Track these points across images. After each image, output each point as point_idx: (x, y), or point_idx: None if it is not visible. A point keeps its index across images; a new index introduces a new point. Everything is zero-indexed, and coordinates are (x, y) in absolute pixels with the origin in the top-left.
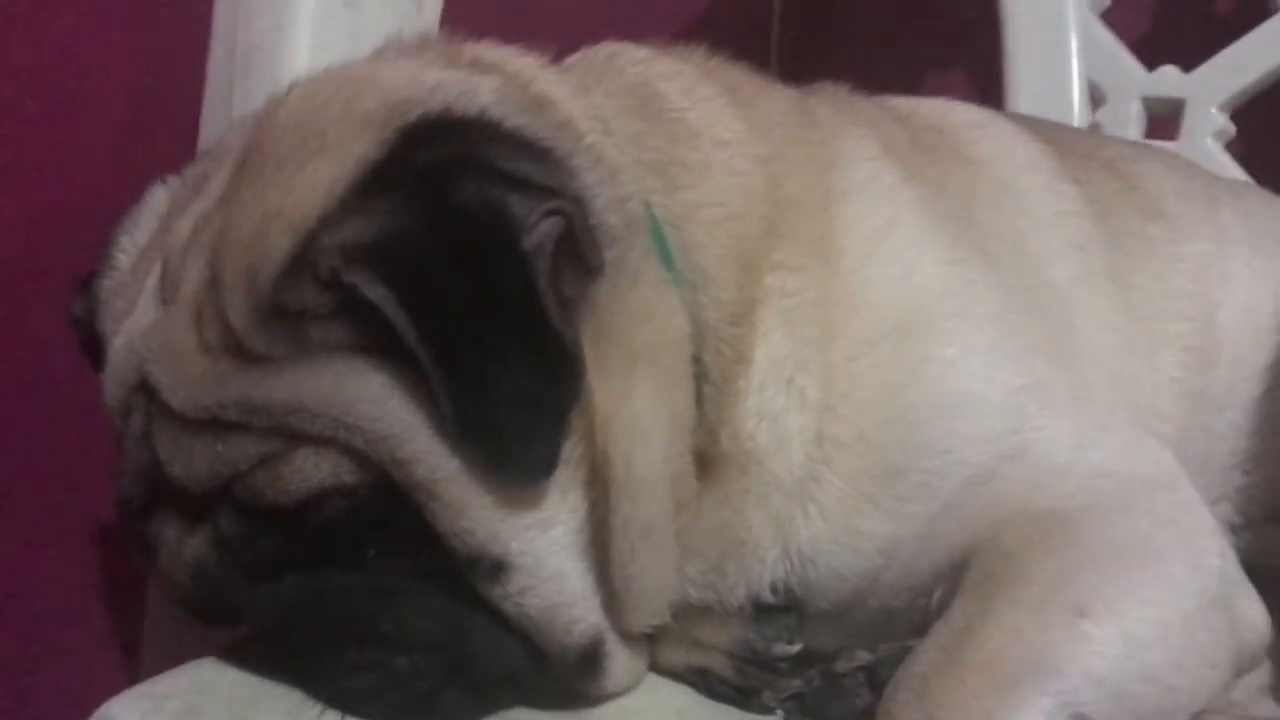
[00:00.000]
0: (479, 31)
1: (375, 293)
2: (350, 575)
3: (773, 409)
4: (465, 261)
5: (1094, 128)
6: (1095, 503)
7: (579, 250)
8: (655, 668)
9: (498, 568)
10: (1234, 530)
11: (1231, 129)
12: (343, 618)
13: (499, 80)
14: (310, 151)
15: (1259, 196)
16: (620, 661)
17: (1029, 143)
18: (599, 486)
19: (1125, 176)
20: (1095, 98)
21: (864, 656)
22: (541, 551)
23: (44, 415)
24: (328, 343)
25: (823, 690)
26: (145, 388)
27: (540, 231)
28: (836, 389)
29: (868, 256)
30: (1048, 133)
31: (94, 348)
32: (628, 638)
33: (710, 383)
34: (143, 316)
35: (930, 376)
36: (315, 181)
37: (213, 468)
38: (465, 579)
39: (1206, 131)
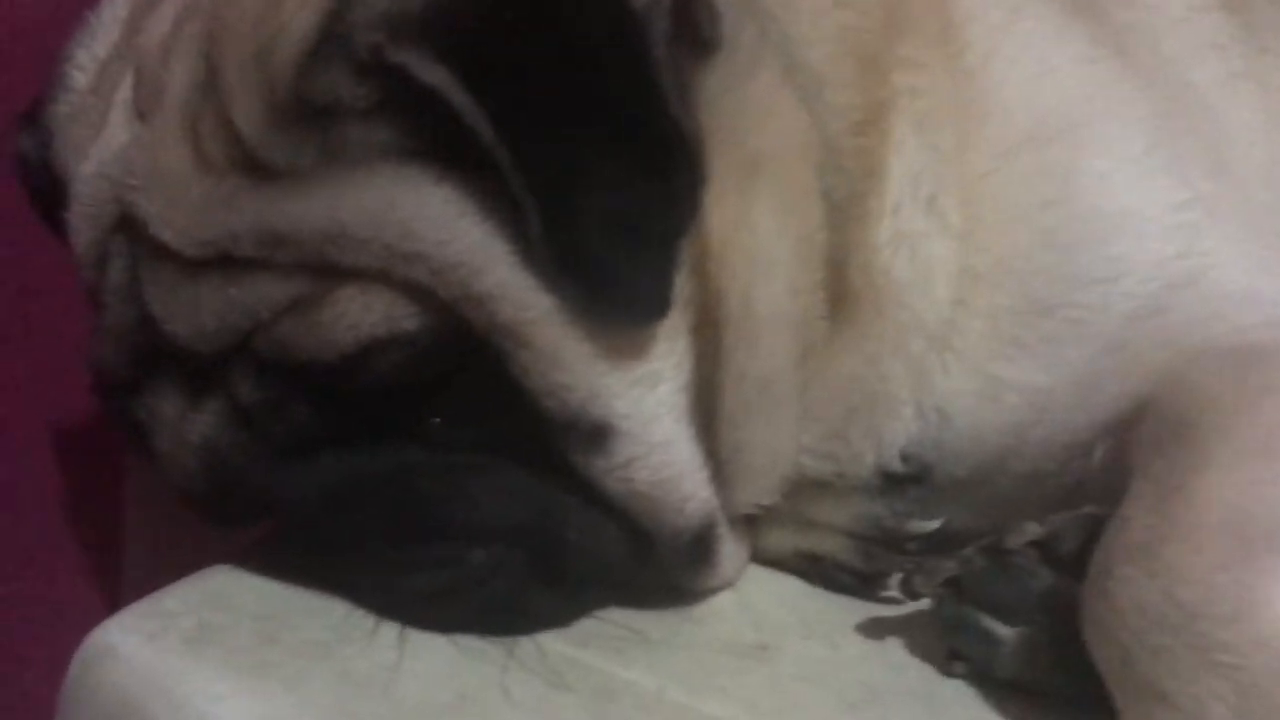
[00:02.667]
0: None
1: (433, 74)
2: (409, 450)
3: (913, 233)
4: (554, 26)
5: None
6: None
7: (693, 21)
8: (756, 558)
9: (600, 433)
10: None
11: None
12: (400, 503)
13: None
14: None
15: None
16: (729, 549)
17: None
18: (709, 332)
19: None
20: None
21: (1034, 529)
22: (649, 413)
23: None
24: (371, 146)
25: (987, 572)
26: (127, 224)
27: None
28: (978, 211)
29: (994, 51)
30: None
31: (47, 194)
32: (731, 520)
33: (833, 204)
34: (117, 136)
35: (1080, 192)
36: None
37: (224, 319)
38: (557, 450)
39: None
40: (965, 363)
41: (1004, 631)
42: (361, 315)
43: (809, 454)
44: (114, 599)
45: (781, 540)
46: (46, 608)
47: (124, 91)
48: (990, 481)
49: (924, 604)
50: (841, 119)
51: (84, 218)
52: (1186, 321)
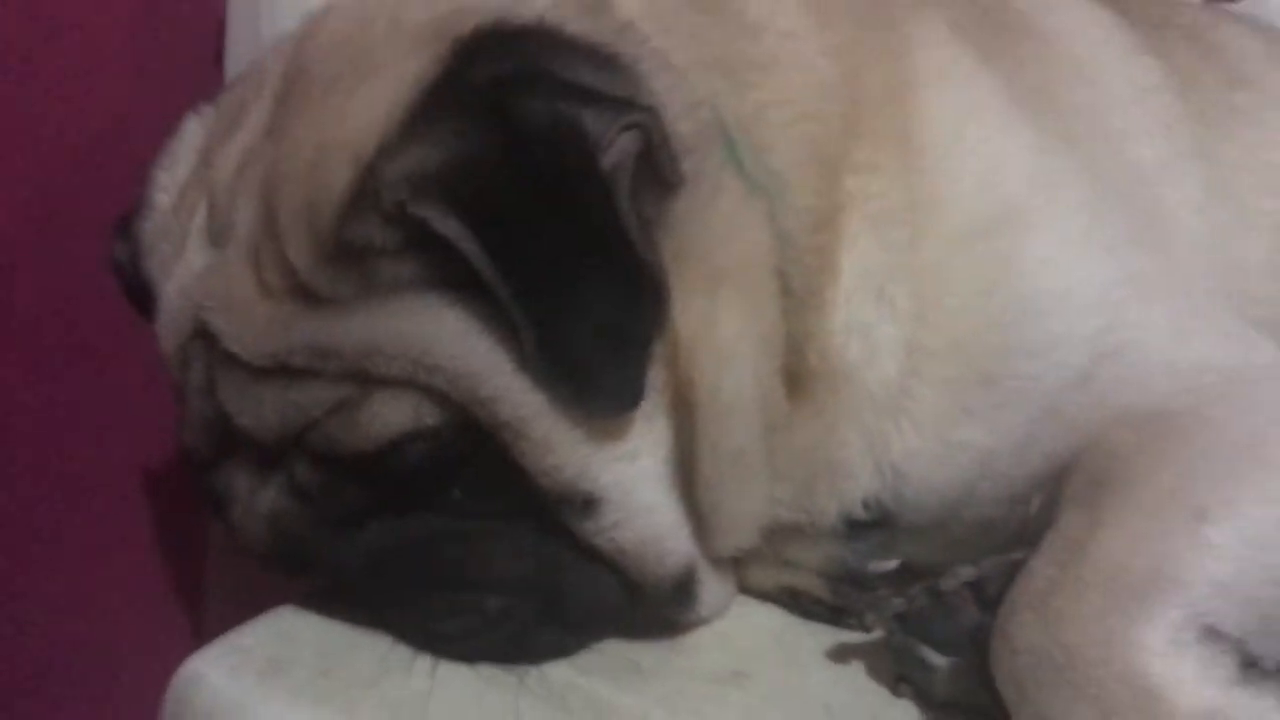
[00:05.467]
0: None
1: (446, 225)
2: (435, 519)
3: (863, 321)
4: (540, 186)
5: None
6: (1202, 399)
7: (657, 165)
8: (745, 589)
9: (589, 503)
10: None
11: None
12: (429, 562)
13: None
14: (361, 74)
15: None
16: (711, 588)
17: (1101, 13)
18: (684, 413)
19: (1205, 44)
20: None
21: (968, 572)
22: (631, 483)
23: (92, 363)
24: (398, 280)
25: (927, 609)
26: (204, 335)
27: (618, 149)
28: (928, 295)
29: (950, 150)
30: (1118, 1)
31: (139, 293)
32: (715, 562)
33: (793, 296)
34: (195, 260)
35: (1021, 275)
36: (370, 106)
37: (284, 416)
38: (554, 516)
39: None
40: (919, 428)
41: (939, 660)
42: (392, 415)
43: (782, 506)
44: (197, 634)
45: (764, 576)
46: (140, 641)
47: (199, 219)
48: (945, 527)
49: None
50: (801, 219)
51: (169, 327)
52: (1112, 389)
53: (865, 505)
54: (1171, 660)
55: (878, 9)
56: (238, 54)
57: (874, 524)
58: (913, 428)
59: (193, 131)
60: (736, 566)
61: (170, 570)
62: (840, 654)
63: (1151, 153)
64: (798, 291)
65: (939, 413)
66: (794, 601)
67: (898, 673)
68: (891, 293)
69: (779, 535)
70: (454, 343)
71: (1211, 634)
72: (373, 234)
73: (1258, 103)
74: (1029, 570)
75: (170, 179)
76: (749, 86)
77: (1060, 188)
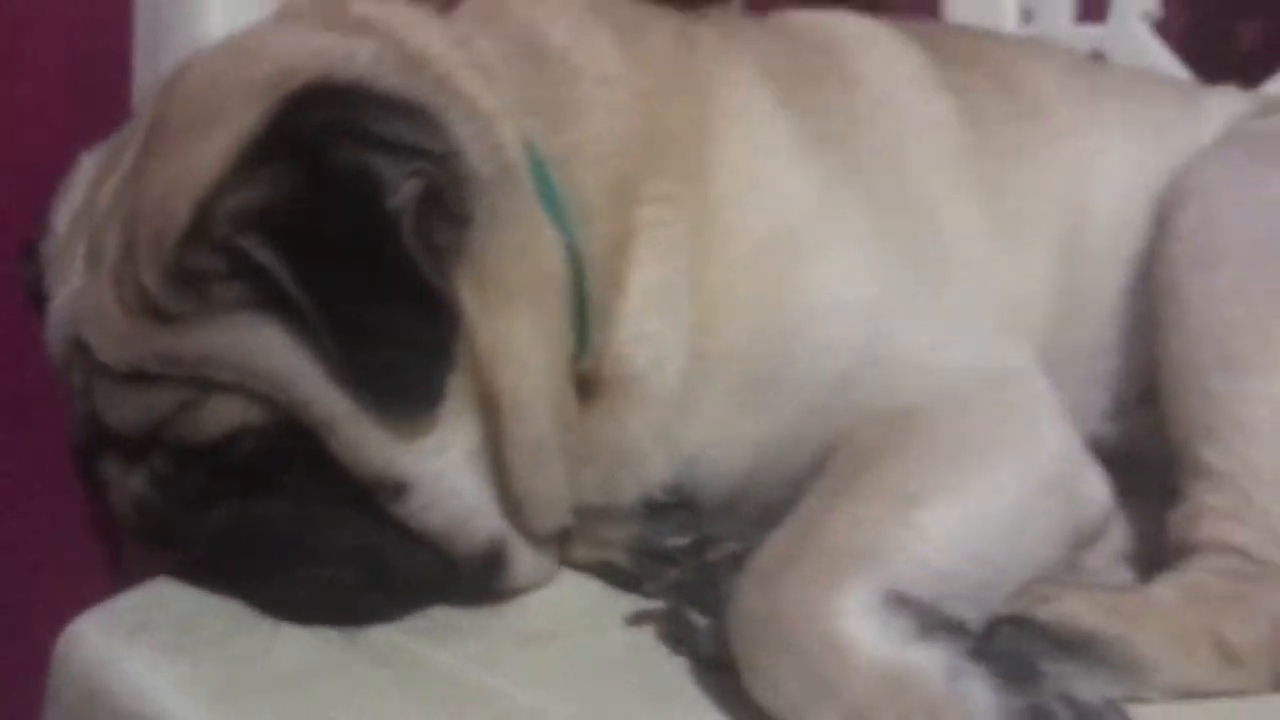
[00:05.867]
0: None
1: (263, 255)
2: (272, 502)
3: (647, 332)
4: (340, 223)
5: (1027, 12)
6: (943, 400)
7: (447, 204)
8: (568, 562)
9: (399, 489)
10: (1107, 415)
11: (1157, 11)
12: (268, 539)
13: (378, 41)
14: (207, 123)
15: (1146, 84)
16: (526, 561)
17: (912, 55)
18: (490, 411)
19: (1005, 81)
20: None
21: (732, 546)
22: (437, 472)
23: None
24: (228, 300)
25: (694, 579)
26: (80, 346)
27: (403, 192)
28: (712, 309)
29: (740, 184)
30: (935, 41)
31: (42, 306)
32: (536, 539)
33: (595, 310)
34: (74, 281)
35: (795, 292)
36: (210, 152)
37: (142, 415)
38: (372, 500)
39: (1133, 12)
40: (705, 423)
41: (702, 623)
42: (225, 414)
43: (588, 491)
44: None
45: (583, 551)
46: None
47: (83, 245)
48: (737, 508)
49: None
50: (600, 244)
51: (54, 338)
52: (869, 392)
53: (662, 490)
54: (858, 621)
55: (693, 54)
56: (140, 92)
57: (672, 506)
58: (700, 423)
59: (86, 167)
60: (561, 542)
61: (93, 549)
62: (637, 619)
63: (937, 184)
64: (597, 306)
65: (721, 410)
66: (607, 573)
67: (674, 635)
68: (677, 307)
69: (591, 516)
70: (273, 355)
71: (900, 601)
72: (206, 262)
73: (1045, 136)
74: (766, 545)
75: (66, 209)
76: (565, 127)
77: (836, 218)
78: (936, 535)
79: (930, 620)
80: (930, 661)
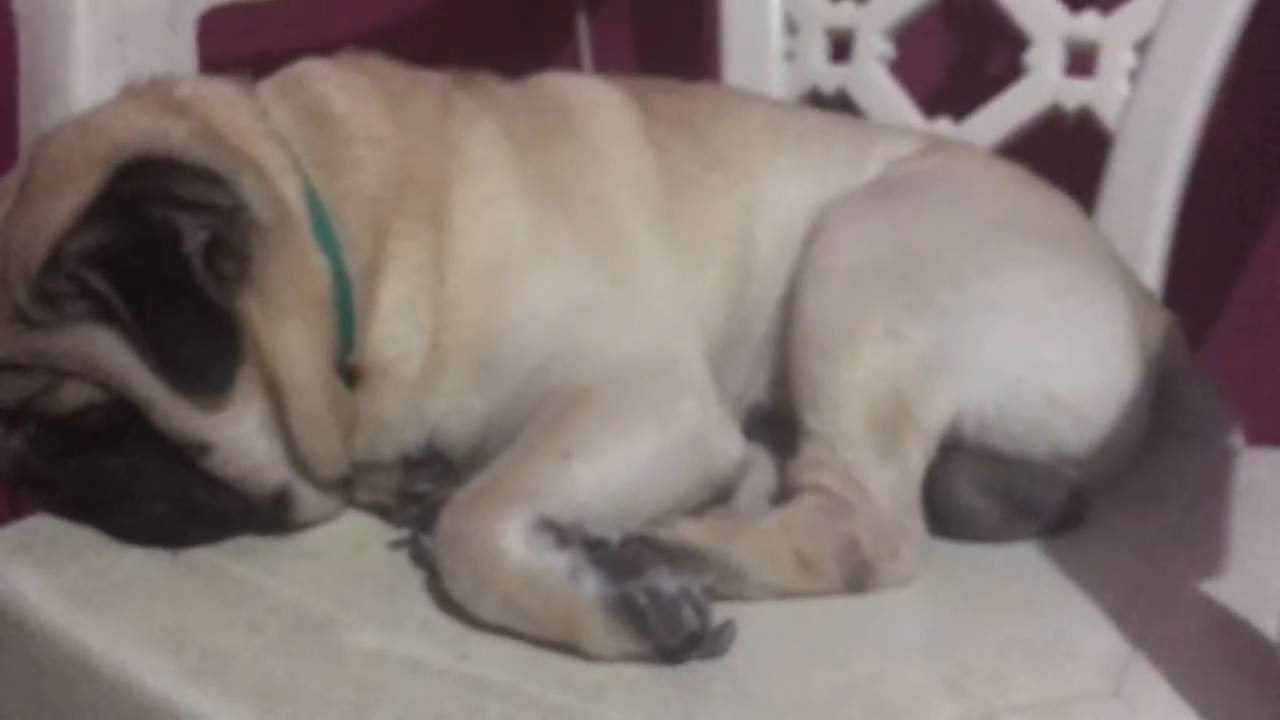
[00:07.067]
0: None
1: (99, 283)
2: (113, 457)
3: (395, 334)
4: (150, 261)
5: (789, 54)
6: (611, 381)
7: (231, 244)
8: (354, 504)
9: (203, 448)
10: (766, 387)
11: (890, 53)
12: (111, 484)
13: (190, 122)
14: (62, 184)
15: (826, 134)
16: (309, 502)
17: (630, 115)
18: (275, 391)
19: (700, 135)
20: (790, 27)
21: (450, 491)
22: (232, 437)
23: None
24: (77, 314)
25: (429, 513)
26: None
27: (195, 240)
28: (446, 316)
29: (469, 223)
30: (654, 101)
31: None
32: (322, 487)
33: (357, 317)
34: None
35: (505, 304)
36: (63, 207)
37: (15, 394)
38: (186, 455)
39: (871, 55)
40: (444, 398)
41: (429, 543)
42: (76, 395)
43: (361, 451)
44: None
45: (363, 494)
46: None
47: None
48: (477, 461)
49: None
50: (360, 269)
51: None
52: (559, 375)
53: (415, 449)
54: (511, 539)
55: (448, 116)
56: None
57: (426, 460)
58: (439, 399)
59: None
60: (347, 488)
61: None
62: (396, 545)
63: (634, 222)
64: (358, 315)
65: (455, 388)
66: (381, 511)
67: (415, 553)
68: (419, 315)
69: (365, 469)
70: (109, 353)
71: (548, 525)
72: (60, 286)
73: (725, 181)
74: (465, 487)
75: None
76: (340, 178)
77: (543, 250)
78: (582, 479)
79: (568, 538)
80: (559, 563)
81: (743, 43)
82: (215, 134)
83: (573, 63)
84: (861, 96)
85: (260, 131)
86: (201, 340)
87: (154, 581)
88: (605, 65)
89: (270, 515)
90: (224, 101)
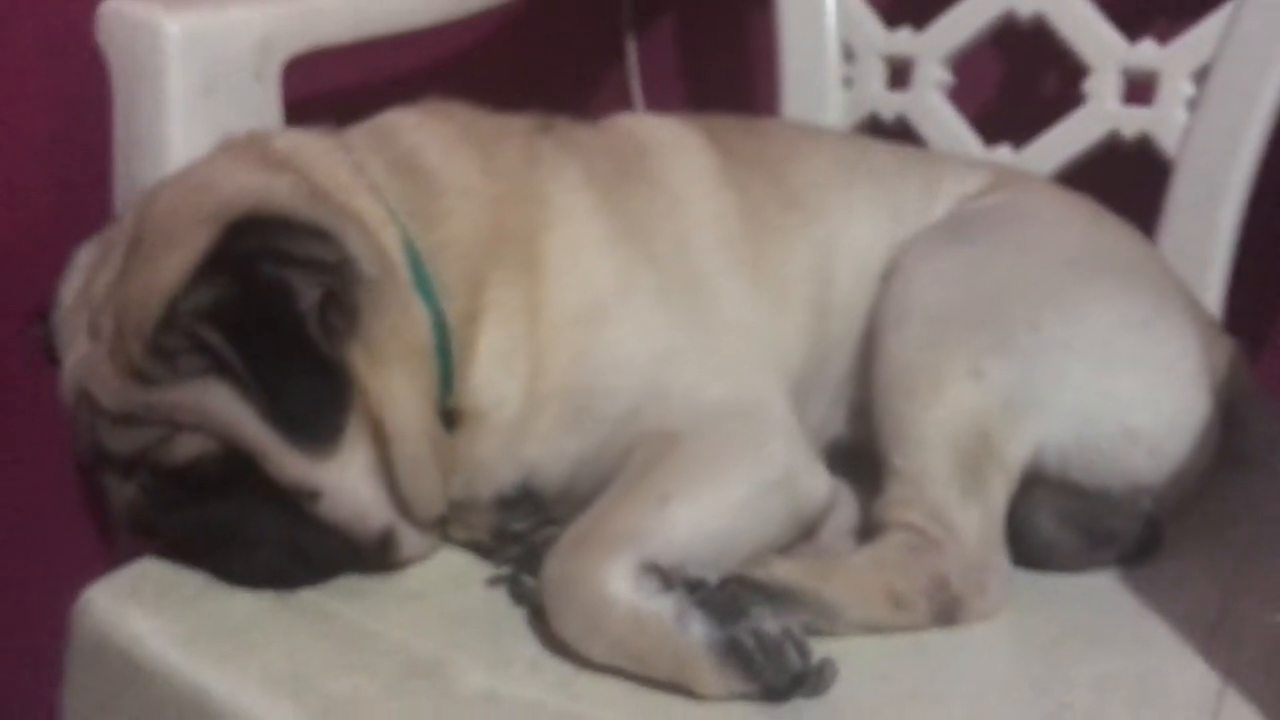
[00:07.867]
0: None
1: (213, 339)
2: (225, 505)
3: (493, 379)
4: (265, 317)
5: (847, 81)
6: (700, 425)
7: (341, 299)
8: (449, 540)
9: (313, 495)
10: (846, 423)
11: (949, 80)
12: (222, 530)
13: (294, 175)
14: (173, 242)
15: (897, 171)
16: (411, 542)
17: (706, 156)
18: (380, 438)
19: (775, 176)
20: (848, 54)
21: (554, 530)
22: (340, 482)
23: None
24: (192, 369)
25: (530, 554)
26: (86, 395)
27: (308, 297)
28: (540, 362)
29: (560, 271)
30: (728, 140)
31: (54, 359)
32: (421, 526)
33: (455, 364)
34: (80, 347)
35: (597, 349)
36: (174, 266)
37: (131, 446)
38: (295, 501)
39: (930, 83)
40: (540, 441)
41: (530, 583)
42: (191, 446)
43: (458, 491)
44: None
45: (460, 533)
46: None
47: (84, 320)
48: (570, 500)
49: None
50: (458, 318)
51: (67, 388)
52: (652, 418)
53: (511, 489)
54: (618, 583)
55: (533, 166)
56: (121, 189)
57: (519, 500)
58: (533, 442)
59: (84, 255)
60: (442, 527)
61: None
62: (492, 581)
63: (715, 264)
64: (457, 362)
65: (550, 432)
66: (476, 549)
67: (515, 592)
68: (514, 361)
69: (462, 508)
70: (222, 406)
71: (652, 568)
72: (175, 343)
73: (802, 220)
74: (567, 531)
75: (70, 289)
76: (434, 229)
77: (631, 295)
78: (681, 523)
79: (672, 580)
80: (665, 607)
81: (801, 70)
82: (317, 188)
83: (622, 88)
84: (921, 124)
85: (359, 185)
86: (313, 392)
87: (267, 625)
88: (654, 90)
89: (374, 556)
90: (321, 155)
